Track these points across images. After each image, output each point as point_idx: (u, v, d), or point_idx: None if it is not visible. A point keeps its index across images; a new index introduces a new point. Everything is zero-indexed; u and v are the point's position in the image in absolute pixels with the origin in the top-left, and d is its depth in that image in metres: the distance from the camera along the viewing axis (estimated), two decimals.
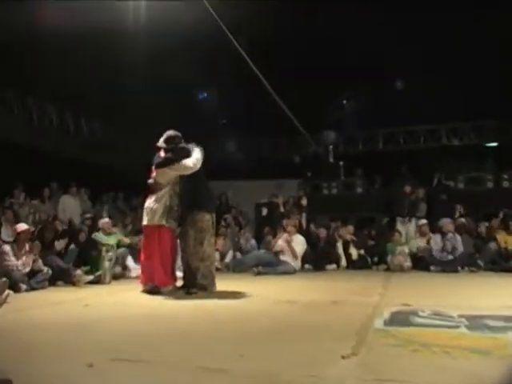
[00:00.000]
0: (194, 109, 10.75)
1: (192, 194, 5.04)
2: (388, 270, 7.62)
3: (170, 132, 5.29)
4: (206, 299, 4.66)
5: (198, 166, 5.06)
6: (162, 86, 9.16)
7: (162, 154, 5.24)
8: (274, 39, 8.24)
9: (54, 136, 10.43)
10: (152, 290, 5.01)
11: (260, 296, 4.85)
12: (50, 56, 7.71)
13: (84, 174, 9.96)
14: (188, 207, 5.02)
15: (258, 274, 7.16)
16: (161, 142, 5.28)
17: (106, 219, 7.27)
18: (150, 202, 5.14)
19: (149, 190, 5.24)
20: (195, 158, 5.06)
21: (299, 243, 7.70)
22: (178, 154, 5.08)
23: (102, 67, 8.26)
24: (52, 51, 7.57)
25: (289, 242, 7.58)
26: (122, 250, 7.06)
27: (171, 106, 9.81)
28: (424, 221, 8.48)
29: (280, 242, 7.72)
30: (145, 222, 5.17)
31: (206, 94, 11.41)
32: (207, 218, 5.05)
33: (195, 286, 4.93)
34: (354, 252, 8.27)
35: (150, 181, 5.22)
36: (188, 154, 5.08)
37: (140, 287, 5.21)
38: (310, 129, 10.62)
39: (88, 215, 9.12)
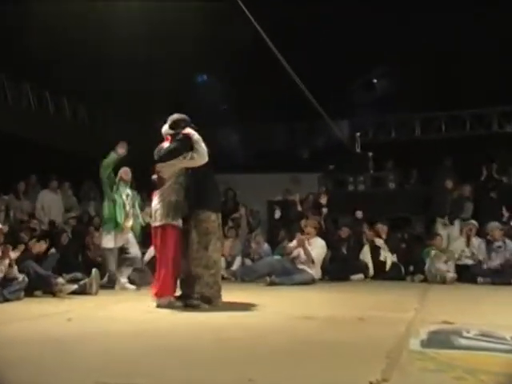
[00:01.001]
0: (193, 93, 10.82)
1: (196, 190, 5.05)
2: (425, 280, 7.60)
3: (175, 116, 5.29)
4: (208, 313, 4.66)
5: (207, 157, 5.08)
6: (158, 69, 9.37)
7: (167, 144, 5.23)
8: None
9: (32, 120, 10.53)
10: (171, 304, 5.00)
11: (272, 310, 4.85)
12: (30, 33, 7.94)
13: (68, 166, 10.05)
14: (191, 205, 5.03)
15: (271, 284, 7.16)
16: (165, 129, 5.28)
17: (126, 168, 7.04)
18: (154, 201, 5.18)
19: (153, 188, 5.27)
20: (203, 147, 5.07)
21: (318, 246, 7.69)
22: (184, 142, 5.08)
23: (88, 47, 8.47)
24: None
25: (303, 244, 7.54)
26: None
27: (167, 92, 9.98)
28: (473, 222, 8.34)
29: (295, 245, 7.70)
30: (152, 222, 5.26)
31: (205, 77, 11.46)
32: (213, 219, 5.06)
33: (199, 297, 4.95)
34: (384, 259, 8.25)
35: (154, 177, 5.24)
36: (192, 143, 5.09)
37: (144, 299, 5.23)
38: (332, 113, 10.59)
39: (72, 214, 9.20)
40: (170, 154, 5.09)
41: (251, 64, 9.46)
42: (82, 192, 10.62)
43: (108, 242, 6.90)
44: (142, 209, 7.23)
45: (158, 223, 5.09)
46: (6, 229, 6.80)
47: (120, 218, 6.82)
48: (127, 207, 6.91)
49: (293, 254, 7.68)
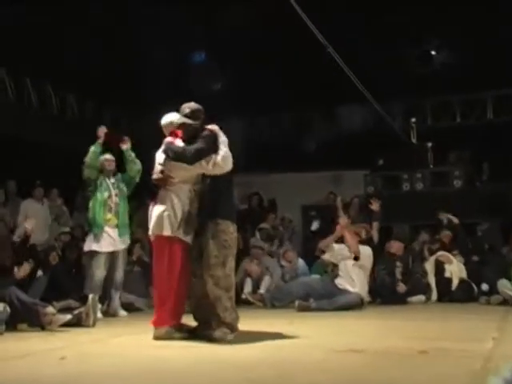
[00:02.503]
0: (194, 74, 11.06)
1: (214, 196, 5.08)
2: (505, 303, 7.51)
3: (193, 104, 5.30)
4: (230, 346, 4.67)
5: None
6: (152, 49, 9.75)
7: (175, 139, 5.24)
8: None
9: (11, 114, 10.78)
10: (169, 335, 5.05)
11: (310, 342, 4.83)
12: None
13: (55, 167, 10.22)
14: (207, 214, 5.06)
15: (304, 309, 7.19)
16: (175, 119, 5.28)
17: (108, 155, 7.43)
18: (157, 207, 5.19)
19: (154, 191, 5.30)
20: (228, 152, 5.09)
21: (366, 250, 7.66)
22: (212, 142, 5.09)
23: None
24: None
25: (344, 232, 7.53)
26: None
27: (163, 74, 10.30)
28: None
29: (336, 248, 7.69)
30: (150, 231, 5.25)
31: (203, 55, 11.66)
32: (231, 230, 5.11)
33: (220, 325, 4.96)
34: (450, 276, 8.18)
35: (156, 176, 5.25)
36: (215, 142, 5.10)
37: (149, 330, 5.24)
38: (379, 96, 10.56)
39: (65, 229, 9.30)
40: (199, 156, 5.06)
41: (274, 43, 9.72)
42: (77, 201, 10.76)
43: (89, 244, 7.23)
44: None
45: (166, 233, 5.12)
46: None
47: (99, 217, 7.13)
48: (112, 202, 7.25)
49: (329, 252, 7.67)
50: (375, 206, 9.07)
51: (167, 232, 5.08)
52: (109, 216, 7.26)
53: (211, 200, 5.08)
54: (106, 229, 7.23)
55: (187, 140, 5.20)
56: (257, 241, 9.77)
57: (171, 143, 5.20)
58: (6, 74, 10.93)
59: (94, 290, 7.04)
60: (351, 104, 12.16)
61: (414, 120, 12.16)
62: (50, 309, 6.05)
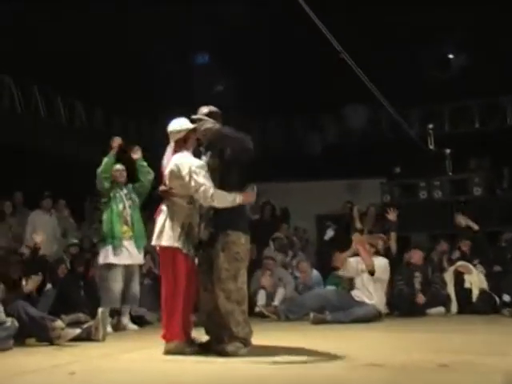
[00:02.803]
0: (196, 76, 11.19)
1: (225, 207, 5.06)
2: None
3: (211, 107, 5.29)
4: (244, 360, 4.64)
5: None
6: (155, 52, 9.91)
7: (186, 153, 5.25)
8: None
9: (19, 123, 10.89)
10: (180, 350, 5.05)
11: (328, 356, 4.79)
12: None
13: (61, 178, 10.29)
14: (217, 225, 5.06)
15: (319, 322, 7.16)
16: (203, 120, 5.22)
17: (118, 166, 7.47)
18: (158, 216, 5.23)
19: (159, 202, 5.33)
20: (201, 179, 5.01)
21: (381, 262, 7.64)
22: (239, 147, 5.06)
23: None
24: None
25: (362, 246, 7.52)
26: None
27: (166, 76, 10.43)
28: None
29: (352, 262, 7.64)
30: (152, 241, 5.32)
31: (207, 57, 11.76)
32: (243, 242, 5.10)
33: (233, 339, 4.95)
34: (471, 287, 8.14)
35: (163, 188, 5.28)
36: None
37: (160, 345, 5.24)
38: (395, 102, 10.56)
39: (73, 240, 9.34)
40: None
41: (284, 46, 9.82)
42: (86, 212, 10.82)
43: (105, 257, 7.24)
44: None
45: (165, 243, 5.13)
46: None
47: (117, 229, 7.16)
48: (126, 213, 7.28)
49: (345, 271, 7.62)
50: (392, 215, 9.01)
51: (166, 242, 5.10)
52: (125, 228, 7.30)
53: (221, 210, 5.06)
54: (123, 241, 7.26)
55: (204, 144, 5.22)
56: (270, 251, 9.76)
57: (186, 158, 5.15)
58: (13, 82, 11.05)
59: (114, 303, 7.13)
60: (366, 110, 12.13)
61: (431, 126, 12.11)
62: (59, 323, 6.04)
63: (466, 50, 11.30)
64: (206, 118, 5.17)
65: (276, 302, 8.44)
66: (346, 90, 10.46)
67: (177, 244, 5.07)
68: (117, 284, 7.21)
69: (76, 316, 6.83)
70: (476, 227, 8.94)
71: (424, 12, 9.80)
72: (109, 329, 6.71)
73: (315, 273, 9.01)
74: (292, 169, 12.35)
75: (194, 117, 5.24)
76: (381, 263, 7.63)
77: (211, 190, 4.90)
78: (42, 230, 9.32)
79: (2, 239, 8.76)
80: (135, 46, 10.40)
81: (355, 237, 7.84)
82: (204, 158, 5.27)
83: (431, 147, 11.99)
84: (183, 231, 5.10)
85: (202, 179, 4.95)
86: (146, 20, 10.33)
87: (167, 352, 5.03)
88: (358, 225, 9.67)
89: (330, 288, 8.26)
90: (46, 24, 9.67)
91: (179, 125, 5.28)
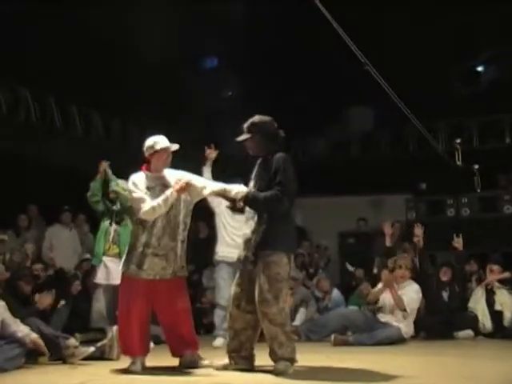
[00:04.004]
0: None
1: (268, 224, 5.00)
2: None
3: (266, 118, 5.22)
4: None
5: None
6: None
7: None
8: None
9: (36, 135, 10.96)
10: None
11: (349, 380, 4.71)
12: None
13: (80, 192, 10.30)
14: (260, 243, 5.00)
15: (343, 343, 7.08)
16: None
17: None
18: None
19: None
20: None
21: (411, 291, 7.52)
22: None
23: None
24: None
25: (391, 285, 7.46)
26: None
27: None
28: None
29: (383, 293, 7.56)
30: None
31: (216, 61, 11.77)
32: (285, 262, 5.03)
33: (278, 360, 4.96)
34: (503, 309, 8.01)
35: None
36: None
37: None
38: (421, 116, 10.44)
39: (87, 255, 9.31)
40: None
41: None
42: None
43: (93, 275, 7.36)
44: None
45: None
46: (6, 274, 6.97)
47: (99, 246, 7.29)
48: (113, 230, 7.32)
49: (379, 302, 7.52)
50: (418, 231, 8.89)
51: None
52: (108, 245, 7.31)
53: (265, 229, 4.99)
54: (106, 259, 7.27)
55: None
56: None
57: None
58: (29, 93, 11.13)
59: (97, 322, 7.16)
60: (391, 125, 12.02)
61: (458, 141, 11.95)
62: (72, 341, 6.00)
63: (495, 63, 11.17)
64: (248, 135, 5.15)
65: (297, 323, 8.37)
66: (372, 105, 10.42)
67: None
68: (97, 304, 7.22)
69: (90, 334, 6.77)
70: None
71: (454, 22, 9.71)
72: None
73: (336, 292, 8.93)
74: (313, 184, 12.24)
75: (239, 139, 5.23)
76: (415, 289, 7.53)
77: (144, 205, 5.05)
78: (61, 245, 9.40)
79: (16, 254, 8.71)
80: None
81: (384, 275, 7.68)
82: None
83: (459, 163, 11.83)
84: (127, 252, 5.28)
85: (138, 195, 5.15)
86: (170, 30, 10.35)
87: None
88: (388, 243, 9.47)
89: (353, 308, 8.13)
90: (60, 36, 9.78)
91: (146, 144, 5.34)
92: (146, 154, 5.31)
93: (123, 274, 5.28)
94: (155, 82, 11.06)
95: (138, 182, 5.22)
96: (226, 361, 5.16)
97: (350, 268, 10.26)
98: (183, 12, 10.02)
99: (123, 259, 5.30)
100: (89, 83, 10.69)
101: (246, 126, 5.21)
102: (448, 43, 10.47)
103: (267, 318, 4.91)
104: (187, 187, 5.15)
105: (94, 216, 10.43)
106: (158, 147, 5.24)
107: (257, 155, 5.23)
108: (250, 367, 5.08)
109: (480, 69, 11.45)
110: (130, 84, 10.88)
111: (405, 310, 7.35)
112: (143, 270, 5.17)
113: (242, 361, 5.10)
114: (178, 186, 5.09)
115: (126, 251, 5.33)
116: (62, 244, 9.43)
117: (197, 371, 5.14)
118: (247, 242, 5.09)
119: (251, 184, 5.17)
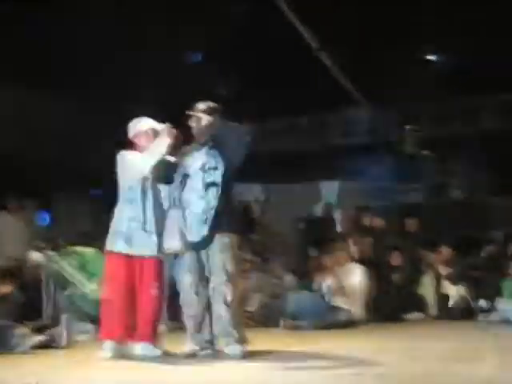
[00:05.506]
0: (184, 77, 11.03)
1: (221, 207, 5.03)
2: (507, 321, 7.48)
3: (211, 103, 5.25)
4: (205, 368, 4.60)
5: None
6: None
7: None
8: None
9: None
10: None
11: (304, 364, 4.75)
12: None
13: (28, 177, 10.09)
14: (215, 225, 5.02)
15: (295, 328, 7.15)
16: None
17: None
18: None
19: None
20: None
21: (354, 275, 7.68)
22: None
23: None
24: None
25: (332, 273, 7.61)
26: None
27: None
28: None
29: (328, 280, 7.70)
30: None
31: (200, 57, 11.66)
32: (238, 243, 5.15)
33: (233, 340, 4.98)
34: (450, 292, 8.22)
35: None
36: None
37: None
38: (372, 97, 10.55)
39: (39, 243, 9.18)
40: None
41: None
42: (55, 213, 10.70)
43: None
44: None
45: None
46: None
47: None
48: None
49: (322, 288, 7.64)
50: (367, 220, 9.12)
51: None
52: None
53: (218, 212, 5.01)
54: None
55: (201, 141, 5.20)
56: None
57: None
58: None
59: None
60: (342, 111, 12.06)
61: (409, 127, 12.10)
62: (22, 330, 5.93)
63: (447, 52, 11.29)
64: (202, 114, 5.14)
65: (251, 308, 8.39)
66: (323, 91, 10.42)
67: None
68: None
69: (40, 322, 6.70)
70: None
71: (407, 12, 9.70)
72: (80, 336, 6.62)
73: (289, 277, 8.98)
74: (269, 171, 12.26)
75: (190, 113, 5.20)
76: (359, 271, 7.73)
77: None
78: (9, 233, 9.24)
79: None
80: None
81: (327, 260, 7.83)
82: (197, 154, 5.21)
83: (409, 149, 11.99)
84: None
85: None
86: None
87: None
88: (340, 228, 9.68)
89: (305, 293, 8.21)
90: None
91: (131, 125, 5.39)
92: (131, 136, 5.33)
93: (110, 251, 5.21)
94: None
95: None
96: (191, 346, 5.12)
97: (312, 253, 10.36)
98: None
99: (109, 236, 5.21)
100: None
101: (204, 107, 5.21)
102: (401, 30, 10.46)
103: (226, 298, 4.93)
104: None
105: (43, 203, 10.36)
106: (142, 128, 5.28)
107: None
108: (214, 351, 5.07)
109: (431, 57, 11.56)
110: None
111: (346, 296, 7.49)
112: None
113: (206, 345, 5.08)
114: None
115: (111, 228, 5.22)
116: (9, 234, 9.28)
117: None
118: (197, 224, 5.06)
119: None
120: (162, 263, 5.31)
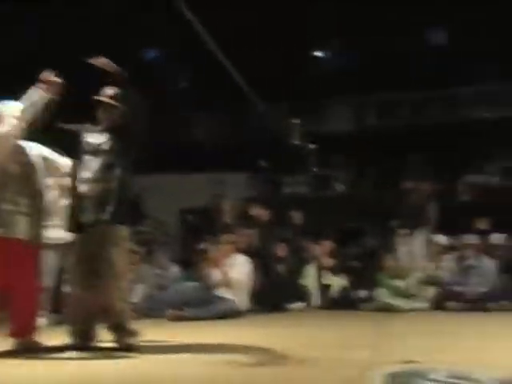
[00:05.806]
0: None
1: (112, 196, 4.83)
2: (384, 309, 7.72)
3: (117, 90, 4.98)
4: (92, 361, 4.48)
5: None
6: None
7: None
8: None
9: None
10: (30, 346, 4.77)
11: (185, 354, 4.71)
12: None
13: None
14: (104, 214, 4.79)
15: (179, 319, 7.11)
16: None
17: None
18: None
19: None
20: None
21: (238, 265, 7.72)
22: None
23: None
24: None
25: (217, 264, 7.64)
26: None
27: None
28: (441, 237, 8.58)
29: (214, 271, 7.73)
30: None
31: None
32: (128, 236, 5.02)
33: (125, 334, 4.85)
34: (331, 283, 8.36)
35: None
36: None
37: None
38: (262, 94, 10.65)
39: None
40: None
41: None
42: None
43: None
44: None
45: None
46: None
47: None
48: None
49: (210, 278, 7.65)
50: (254, 211, 9.17)
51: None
52: None
53: (109, 201, 4.79)
54: None
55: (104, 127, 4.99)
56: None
57: None
58: None
59: None
60: (235, 105, 12.11)
61: (297, 121, 12.31)
62: None
63: (333, 48, 11.55)
64: (108, 100, 4.93)
65: (135, 299, 8.24)
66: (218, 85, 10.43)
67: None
68: None
69: None
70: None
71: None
72: None
73: (175, 268, 8.91)
74: (156, 162, 12.09)
75: (97, 98, 4.97)
76: (243, 261, 7.76)
77: None
78: None
79: None
80: None
81: (213, 252, 7.84)
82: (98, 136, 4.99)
83: (296, 142, 12.18)
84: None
85: None
86: None
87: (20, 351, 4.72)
88: (227, 219, 9.68)
89: (191, 284, 8.17)
90: None
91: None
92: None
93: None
94: None
95: None
96: (68, 340, 4.92)
97: (198, 244, 10.30)
98: None
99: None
100: None
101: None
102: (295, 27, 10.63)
103: (118, 293, 4.81)
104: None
105: None
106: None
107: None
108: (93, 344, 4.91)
109: (320, 54, 11.80)
110: None
111: (231, 286, 7.52)
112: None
113: (84, 339, 4.90)
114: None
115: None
116: None
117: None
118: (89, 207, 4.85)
119: None
120: (40, 250, 5.00)
